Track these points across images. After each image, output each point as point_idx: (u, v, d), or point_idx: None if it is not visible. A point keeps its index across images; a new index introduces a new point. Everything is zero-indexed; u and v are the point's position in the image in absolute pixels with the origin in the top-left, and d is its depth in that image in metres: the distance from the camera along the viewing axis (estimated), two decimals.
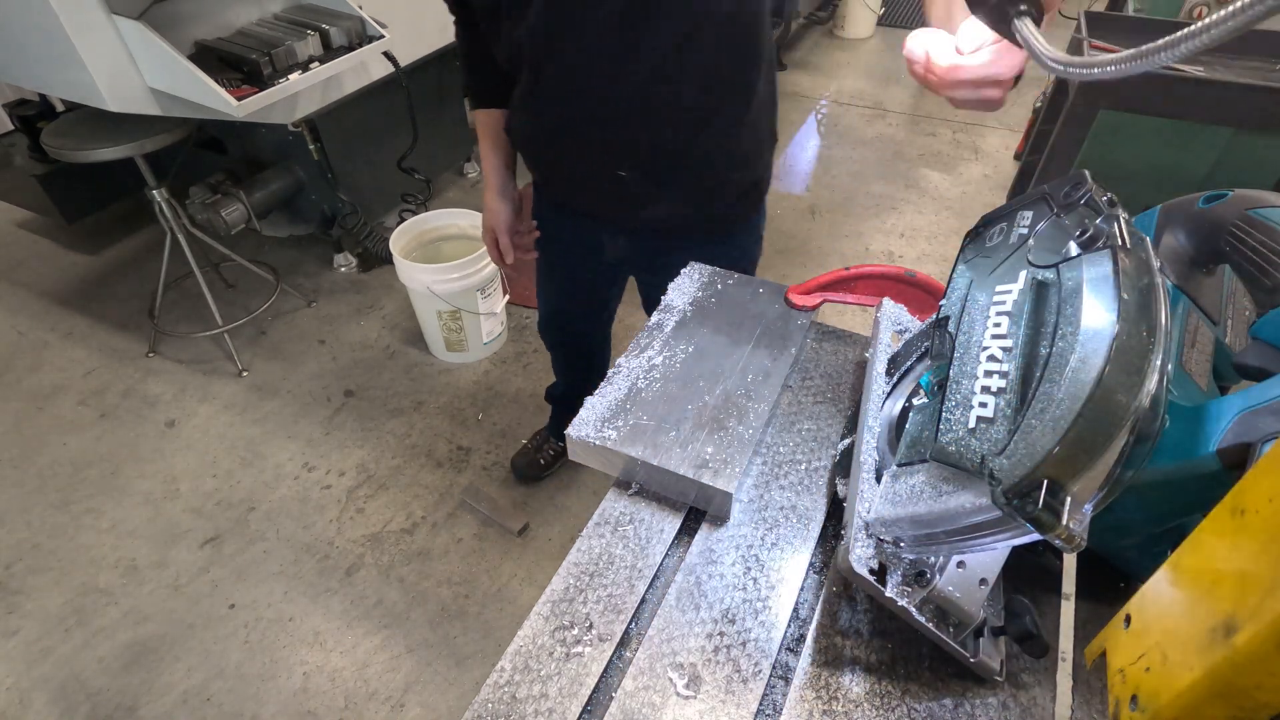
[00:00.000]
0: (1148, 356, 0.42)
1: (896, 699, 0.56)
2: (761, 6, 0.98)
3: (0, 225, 2.94)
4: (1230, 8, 0.41)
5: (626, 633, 0.61)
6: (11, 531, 1.86)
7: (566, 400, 1.86)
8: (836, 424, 0.80)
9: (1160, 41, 0.43)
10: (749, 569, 0.65)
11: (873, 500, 0.58)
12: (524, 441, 2.05)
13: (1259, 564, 0.34)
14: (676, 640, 0.60)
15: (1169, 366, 0.43)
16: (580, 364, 1.74)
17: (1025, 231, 0.57)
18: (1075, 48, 1.86)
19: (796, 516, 0.70)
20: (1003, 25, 0.67)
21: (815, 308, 0.88)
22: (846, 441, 0.73)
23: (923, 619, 0.54)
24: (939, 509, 0.48)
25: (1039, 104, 2.80)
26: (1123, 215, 0.50)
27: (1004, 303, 0.53)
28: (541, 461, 1.99)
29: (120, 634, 1.65)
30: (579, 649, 0.59)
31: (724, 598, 0.63)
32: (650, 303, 1.45)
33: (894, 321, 0.79)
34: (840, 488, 0.69)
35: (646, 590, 0.64)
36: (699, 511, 0.71)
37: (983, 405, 0.48)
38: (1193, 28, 0.43)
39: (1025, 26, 0.65)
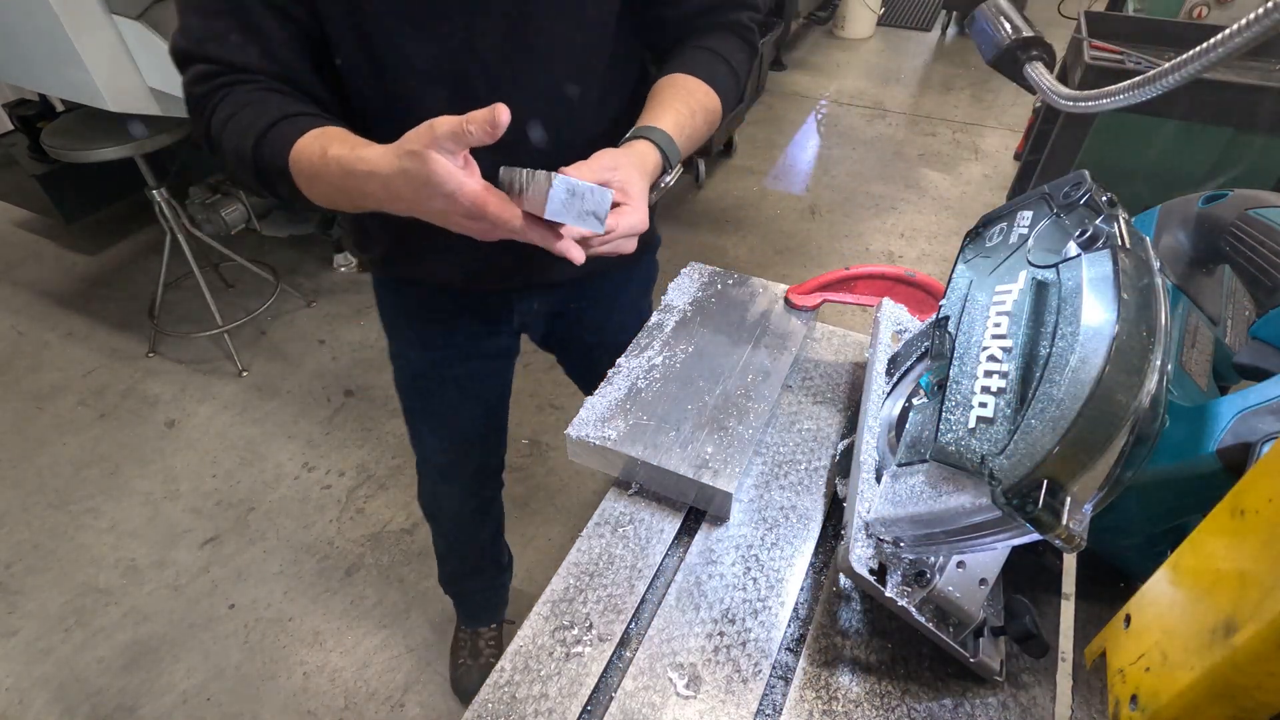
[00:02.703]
0: (1148, 356, 0.42)
1: (896, 699, 0.56)
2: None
3: (0, 225, 2.94)
4: (1225, 32, 0.42)
5: (626, 633, 0.61)
6: (11, 531, 1.86)
7: (487, 571, 1.48)
8: (836, 424, 0.80)
9: (1161, 69, 0.44)
10: (749, 569, 0.65)
11: (873, 500, 0.58)
12: (457, 660, 1.58)
13: (1259, 564, 0.34)
14: (676, 640, 0.60)
15: (1169, 366, 0.43)
16: (492, 514, 1.38)
17: (1025, 231, 0.57)
18: (1075, 48, 1.85)
19: (796, 516, 0.70)
20: (1015, 70, 0.69)
21: (815, 308, 0.88)
22: (846, 441, 0.73)
23: (923, 619, 0.54)
24: (939, 509, 0.48)
25: (1039, 104, 2.80)
26: (1123, 215, 0.50)
27: (1004, 303, 0.53)
28: (485, 659, 1.55)
29: (120, 634, 1.65)
30: (579, 649, 0.59)
31: (724, 598, 0.63)
32: (583, 351, 1.13)
33: (894, 321, 0.79)
34: (840, 488, 0.69)
35: (646, 590, 0.64)
36: (699, 511, 0.71)
37: (983, 405, 0.48)
38: (1186, 55, 0.44)
39: (1035, 70, 0.67)
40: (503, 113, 0.53)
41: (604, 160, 0.66)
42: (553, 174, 0.57)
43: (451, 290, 0.96)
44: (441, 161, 0.55)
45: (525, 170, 0.60)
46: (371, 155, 0.60)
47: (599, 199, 0.59)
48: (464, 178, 0.57)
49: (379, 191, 0.61)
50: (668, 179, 0.72)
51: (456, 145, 0.55)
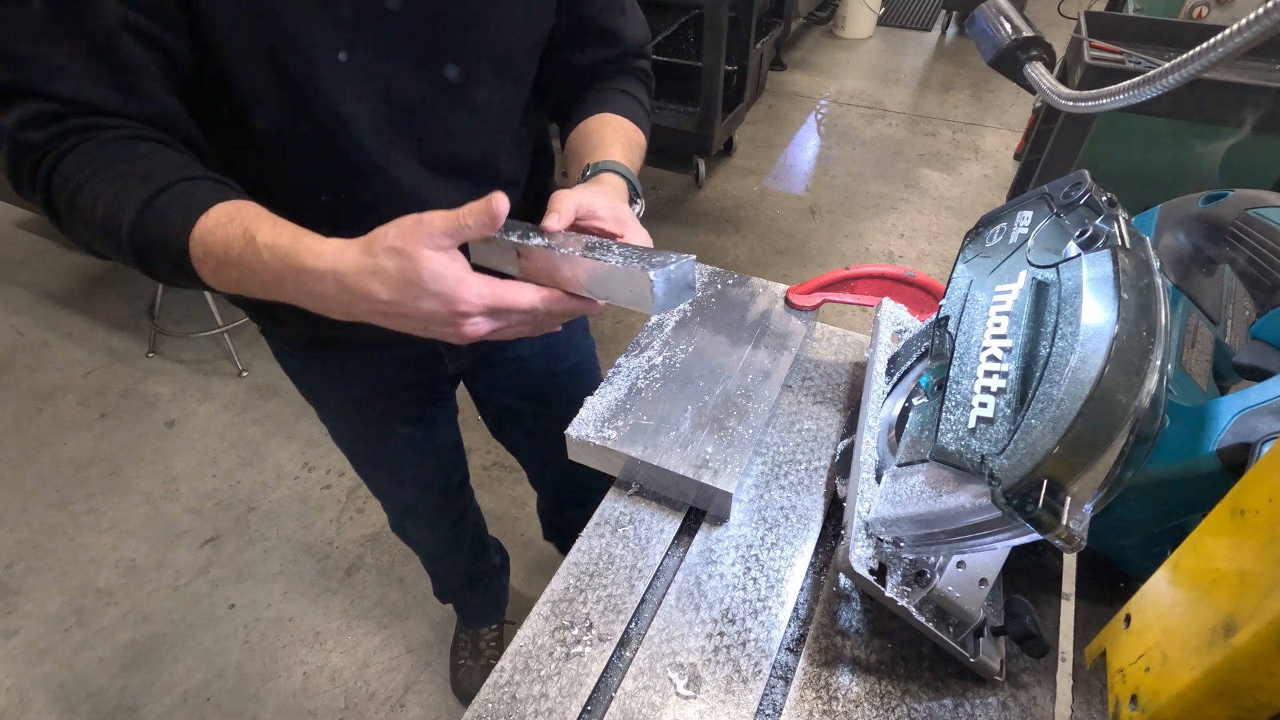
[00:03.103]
0: (1148, 356, 0.42)
1: (896, 699, 0.56)
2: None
3: (0, 225, 2.94)
4: (1225, 32, 0.42)
5: (626, 633, 0.61)
6: (11, 531, 1.86)
7: (479, 579, 1.50)
8: (836, 424, 0.80)
9: (1161, 69, 0.44)
10: (749, 569, 0.65)
11: (873, 500, 0.58)
12: (457, 660, 1.60)
13: (1259, 564, 0.34)
14: (676, 640, 0.60)
15: (1169, 366, 0.43)
16: (467, 526, 1.37)
17: (1025, 231, 0.57)
18: (1075, 48, 1.85)
19: (796, 516, 0.70)
20: (1015, 70, 0.69)
21: (815, 308, 0.88)
22: (846, 441, 0.73)
23: (923, 619, 0.54)
24: (939, 509, 0.48)
25: (1039, 104, 2.80)
26: (1123, 215, 0.50)
27: (1004, 303, 0.53)
28: (485, 659, 1.57)
29: (120, 634, 1.65)
30: (579, 649, 0.59)
31: (724, 598, 0.63)
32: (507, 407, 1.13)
33: (894, 321, 0.79)
34: (840, 488, 0.69)
35: (646, 590, 0.64)
36: (699, 511, 0.71)
37: (983, 405, 0.48)
38: (1186, 55, 0.44)
39: (1035, 70, 0.67)
40: (500, 202, 0.49)
41: (565, 203, 0.59)
42: (647, 270, 0.50)
43: (371, 345, 0.88)
44: (437, 257, 0.49)
45: (538, 233, 0.55)
46: (327, 250, 0.51)
47: (688, 271, 0.53)
48: (463, 270, 0.50)
49: (328, 291, 0.51)
50: (636, 212, 0.70)
51: (452, 241, 0.50)
